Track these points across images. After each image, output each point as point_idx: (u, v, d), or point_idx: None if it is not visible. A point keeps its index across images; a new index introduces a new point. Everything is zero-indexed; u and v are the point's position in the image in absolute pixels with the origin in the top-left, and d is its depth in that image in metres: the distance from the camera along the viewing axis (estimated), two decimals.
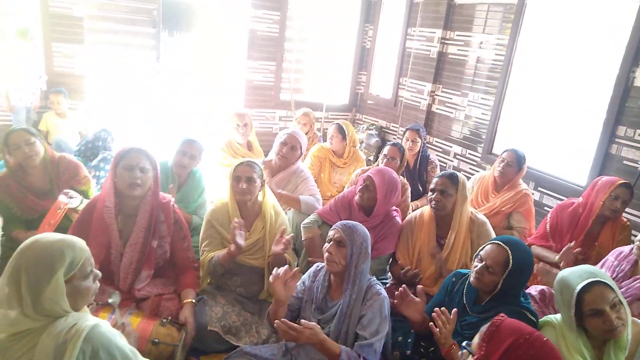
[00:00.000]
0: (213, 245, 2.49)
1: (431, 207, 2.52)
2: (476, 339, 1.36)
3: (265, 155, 3.73)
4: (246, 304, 2.49)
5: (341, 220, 2.25)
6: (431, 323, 1.82)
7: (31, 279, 1.25)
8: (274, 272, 1.95)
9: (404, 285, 1.98)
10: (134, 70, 5.30)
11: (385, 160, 3.43)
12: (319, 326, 1.86)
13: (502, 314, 1.38)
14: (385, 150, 3.49)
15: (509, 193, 3.26)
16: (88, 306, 1.47)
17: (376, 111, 6.08)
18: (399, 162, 3.41)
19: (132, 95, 5.41)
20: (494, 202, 3.29)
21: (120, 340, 1.38)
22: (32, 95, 4.55)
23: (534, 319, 1.82)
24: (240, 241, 2.27)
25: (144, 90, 5.45)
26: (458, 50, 4.83)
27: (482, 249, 1.92)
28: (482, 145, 4.61)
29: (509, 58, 4.28)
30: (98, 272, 1.42)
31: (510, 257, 1.81)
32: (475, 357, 1.31)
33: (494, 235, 2.52)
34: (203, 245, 2.51)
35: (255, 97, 5.81)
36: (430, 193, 2.54)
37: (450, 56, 4.93)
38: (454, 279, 2.08)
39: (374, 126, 5.90)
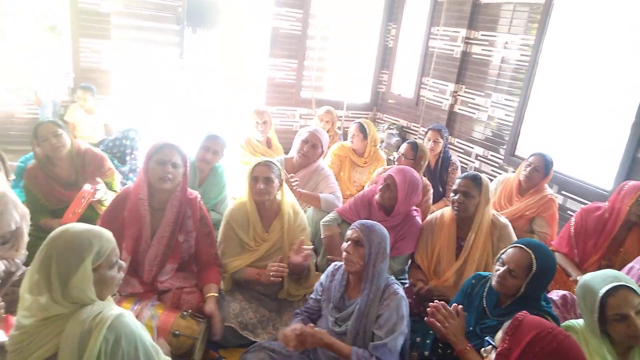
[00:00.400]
0: (231, 247, 2.50)
1: (453, 208, 2.49)
2: (499, 334, 1.37)
3: (286, 153, 3.74)
4: (264, 301, 2.50)
5: (361, 219, 2.25)
6: (431, 319, 1.83)
7: (60, 267, 1.29)
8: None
9: (442, 303, 1.90)
10: (158, 66, 5.38)
11: (399, 157, 3.43)
12: (323, 331, 1.86)
13: (524, 311, 1.38)
14: (401, 148, 3.47)
15: (534, 197, 3.20)
16: (112, 296, 1.50)
17: (397, 110, 6.05)
18: (412, 160, 3.37)
19: (156, 91, 5.49)
20: (518, 205, 3.24)
21: (142, 332, 1.41)
22: (60, 90, 4.65)
23: (555, 323, 1.79)
24: (274, 280, 2.30)
25: (167, 86, 5.53)
26: (482, 50, 4.77)
27: (504, 253, 1.90)
28: (504, 146, 4.55)
29: (535, 59, 4.21)
30: (122, 262, 1.45)
31: (534, 260, 1.78)
32: (498, 349, 1.31)
33: (515, 238, 2.49)
34: (222, 246, 2.52)
35: (277, 94, 5.84)
36: (452, 194, 2.51)
37: (474, 56, 4.88)
38: (473, 281, 2.05)
39: (394, 126, 5.87)
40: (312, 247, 2.38)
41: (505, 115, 4.53)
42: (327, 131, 4.21)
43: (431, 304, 1.88)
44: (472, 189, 2.44)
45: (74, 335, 1.26)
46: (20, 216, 2.31)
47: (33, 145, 2.90)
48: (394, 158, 3.57)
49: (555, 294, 2.36)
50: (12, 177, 3.23)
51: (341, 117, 5.86)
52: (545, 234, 3.13)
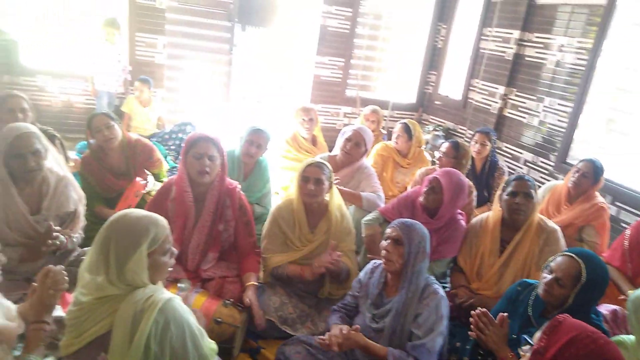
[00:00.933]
0: (276, 243, 2.51)
1: (512, 210, 2.40)
2: (537, 333, 1.34)
3: (330, 151, 3.76)
4: (304, 297, 2.51)
5: None
6: (471, 329, 1.79)
7: (119, 249, 1.36)
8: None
9: (485, 311, 1.84)
10: (208, 60, 5.52)
11: (440, 157, 3.39)
12: (359, 334, 1.86)
13: (566, 314, 1.35)
14: (442, 147, 3.42)
15: (583, 205, 3.08)
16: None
17: (444, 112, 5.95)
18: (453, 160, 3.31)
19: (206, 85, 5.63)
20: (567, 214, 3.12)
21: (189, 316, 1.46)
22: (115, 82, 4.85)
23: None
24: (319, 273, 2.35)
25: (216, 81, 5.66)
26: (536, 52, 4.62)
27: (552, 260, 1.84)
28: (555, 153, 4.39)
29: (592, 63, 4.04)
30: (174, 249, 1.51)
31: (583, 271, 1.72)
32: (535, 347, 1.29)
33: (563, 243, 2.41)
34: (265, 241, 2.54)
35: (322, 92, 5.88)
36: (508, 196, 2.42)
37: (527, 58, 4.73)
38: (519, 288, 2.00)
39: (440, 127, 5.78)
40: (340, 253, 2.35)
41: (558, 120, 4.37)
42: (372, 131, 4.19)
43: (473, 312, 1.84)
44: (531, 190, 2.38)
45: (127, 315, 1.33)
46: (78, 199, 2.44)
47: (87, 135, 3.05)
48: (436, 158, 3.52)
49: (605, 308, 2.27)
50: (71, 163, 3.42)
51: (386, 117, 5.83)
52: (595, 243, 3.01)
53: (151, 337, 1.33)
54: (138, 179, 2.98)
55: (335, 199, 2.56)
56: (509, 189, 2.43)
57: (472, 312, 1.85)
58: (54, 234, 2.16)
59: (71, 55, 5.15)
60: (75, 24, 5.15)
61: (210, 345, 1.56)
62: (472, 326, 1.82)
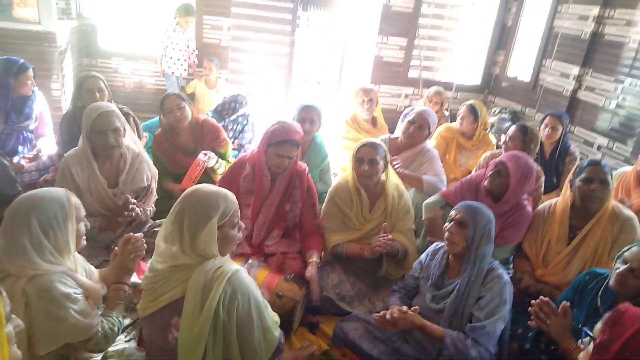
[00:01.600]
0: (334, 222, 2.56)
1: (586, 197, 2.29)
2: (599, 325, 1.28)
3: (391, 132, 3.73)
4: (362, 276, 2.54)
5: None
6: (534, 317, 1.75)
7: (191, 221, 1.44)
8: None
9: (547, 300, 1.80)
10: (271, 42, 5.59)
11: (506, 141, 3.26)
12: (416, 315, 1.87)
13: (627, 303, 1.28)
14: (509, 131, 3.28)
15: None
16: None
17: (511, 94, 5.70)
18: (520, 144, 3.17)
19: (268, 67, 5.71)
20: (637, 199, 2.93)
21: (255, 288, 1.54)
22: (181, 67, 5.03)
23: None
24: (379, 252, 2.34)
25: (278, 62, 5.73)
26: (617, 30, 4.30)
27: (627, 250, 1.75)
28: (634, 138, 4.10)
29: None
30: (242, 223, 1.59)
31: None
32: (597, 341, 1.23)
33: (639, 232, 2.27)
34: (324, 220, 2.59)
35: (383, 73, 5.79)
36: (582, 182, 2.31)
37: (606, 37, 4.41)
38: (587, 278, 1.92)
39: (507, 110, 5.55)
40: (390, 237, 2.34)
41: (639, 103, 4.06)
42: (436, 112, 4.11)
43: (534, 301, 1.80)
44: (607, 177, 2.26)
45: (198, 283, 1.42)
46: (151, 175, 2.59)
47: (160, 115, 3.20)
48: (502, 142, 3.39)
49: None
50: (144, 140, 3.62)
51: (449, 98, 5.67)
52: None
53: (220, 304, 1.41)
54: (201, 155, 3.08)
55: (391, 178, 2.55)
56: (583, 174, 2.31)
57: (533, 301, 1.80)
58: (131, 206, 2.32)
59: (143, 38, 5.41)
60: (149, 8, 5.38)
61: (273, 317, 1.63)
62: (532, 316, 1.78)
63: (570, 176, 2.43)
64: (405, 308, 1.88)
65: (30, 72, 3.19)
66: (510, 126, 5.18)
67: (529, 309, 1.80)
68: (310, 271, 2.29)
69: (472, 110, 3.76)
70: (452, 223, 1.97)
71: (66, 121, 3.06)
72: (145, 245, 1.74)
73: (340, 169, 3.90)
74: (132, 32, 5.46)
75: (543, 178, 3.22)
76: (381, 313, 1.88)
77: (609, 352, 1.19)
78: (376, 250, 2.31)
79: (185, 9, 4.77)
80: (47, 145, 3.38)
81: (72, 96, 3.13)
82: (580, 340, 1.41)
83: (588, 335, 1.32)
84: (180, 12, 4.76)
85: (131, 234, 1.76)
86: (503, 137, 3.33)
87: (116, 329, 1.64)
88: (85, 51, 5.07)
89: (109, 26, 5.25)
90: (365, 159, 2.44)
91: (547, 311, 1.75)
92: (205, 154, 3.11)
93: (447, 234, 1.97)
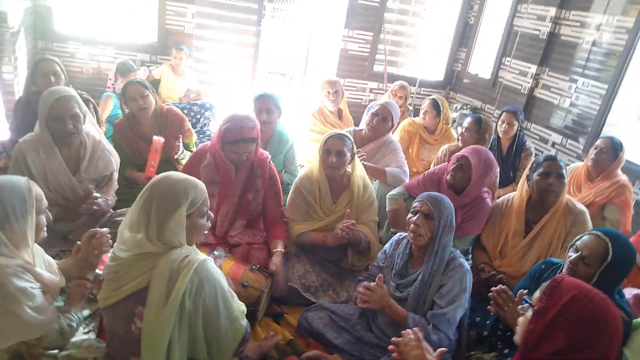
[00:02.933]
0: (299, 213, 2.57)
1: (543, 191, 2.37)
2: (537, 294, 1.36)
3: (356, 125, 3.76)
4: (327, 266, 2.56)
5: None
6: (490, 305, 1.83)
7: (160, 210, 1.42)
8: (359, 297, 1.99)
9: (505, 287, 1.87)
10: (236, 31, 5.52)
11: (462, 132, 3.41)
12: (385, 290, 1.94)
13: (564, 273, 1.36)
14: (465, 122, 3.41)
15: (604, 183, 3.05)
16: None
17: (472, 91, 5.86)
18: (476, 134, 3.34)
19: (233, 56, 5.64)
20: (588, 192, 3.10)
21: (222, 279, 1.53)
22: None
23: (627, 318, 1.73)
24: (342, 239, 2.35)
25: (243, 53, 5.66)
26: (572, 31, 4.49)
27: (578, 239, 1.84)
28: (585, 136, 4.30)
29: (632, 43, 3.90)
30: (211, 213, 1.57)
31: (610, 249, 1.71)
32: (536, 308, 1.31)
33: (590, 225, 2.39)
34: (289, 210, 2.59)
35: (349, 66, 5.82)
36: (539, 177, 2.38)
37: (562, 37, 4.60)
38: (543, 267, 2.01)
39: (468, 106, 5.70)
40: (353, 222, 2.36)
41: (591, 102, 4.27)
42: (399, 106, 4.17)
43: (493, 288, 1.87)
44: (563, 171, 2.36)
45: (164, 272, 1.40)
46: (113, 163, 2.52)
47: (121, 103, 3.10)
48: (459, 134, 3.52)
49: (628, 292, 2.26)
50: (104, 128, 3.50)
51: (413, 94, 5.77)
52: (618, 221, 2.98)
53: (186, 295, 1.39)
54: (155, 137, 2.98)
55: (357, 171, 2.58)
56: (541, 169, 2.40)
57: (492, 288, 1.88)
58: (93, 196, 2.25)
59: (101, 22, 5.21)
60: None
61: (240, 307, 1.62)
62: (491, 302, 1.85)
63: (527, 171, 2.53)
64: (372, 285, 1.94)
65: None
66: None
67: (489, 294, 1.87)
68: (275, 262, 2.29)
69: (435, 104, 3.85)
70: (417, 215, 2.01)
71: (20, 106, 2.92)
72: (110, 241, 1.68)
73: (306, 161, 3.91)
74: (90, 15, 5.24)
75: (498, 169, 3.34)
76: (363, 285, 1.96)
77: (545, 319, 1.27)
78: (339, 235, 2.33)
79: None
80: None
81: (25, 80, 2.98)
82: (520, 307, 1.49)
83: (527, 302, 1.40)
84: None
85: (97, 229, 1.70)
86: (459, 129, 3.45)
87: (74, 325, 1.59)
88: (40, 34, 4.84)
89: (65, 8, 5.02)
90: (333, 151, 2.46)
91: (505, 298, 1.83)
92: (159, 137, 3.03)
93: (412, 226, 2.00)
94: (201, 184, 1.52)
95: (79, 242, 1.70)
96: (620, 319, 1.26)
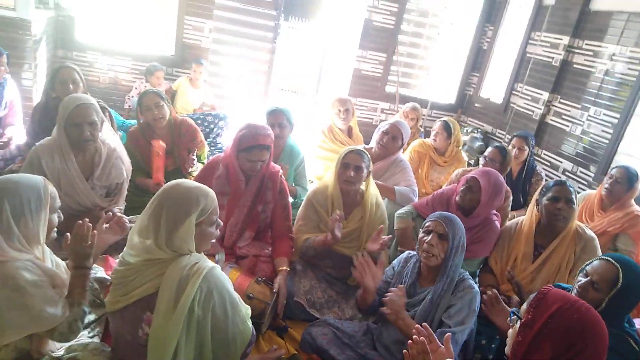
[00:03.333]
0: (309, 226, 2.56)
1: (552, 216, 2.37)
2: (524, 306, 1.39)
3: (366, 144, 3.78)
4: (334, 283, 2.56)
5: None
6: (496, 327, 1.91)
7: (169, 217, 1.43)
8: (357, 264, 2.03)
9: (494, 290, 1.98)
10: (251, 48, 5.60)
11: (485, 161, 3.34)
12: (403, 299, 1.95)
13: (550, 285, 1.41)
14: (487, 152, 3.38)
15: (618, 213, 3.03)
16: None
17: (483, 115, 5.88)
18: (498, 165, 3.28)
19: (247, 72, 5.72)
20: (601, 221, 3.08)
21: (229, 285, 1.53)
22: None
23: (637, 347, 1.70)
24: (338, 233, 2.32)
25: (258, 69, 5.74)
26: (585, 60, 4.51)
27: (588, 264, 1.83)
28: (596, 164, 4.29)
29: None
30: (220, 221, 1.58)
31: (621, 275, 1.70)
32: (523, 320, 1.33)
33: (600, 253, 2.37)
34: (299, 223, 2.60)
35: (361, 86, 5.88)
36: (548, 201, 2.38)
37: (575, 66, 4.62)
38: None
39: (479, 130, 5.71)
40: (389, 236, 2.38)
41: (602, 131, 4.26)
42: (410, 128, 4.19)
43: (488, 291, 1.97)
44: (572, 197, 2.35)
45: (173, 279, 1.40)
46: (126, 172, 2.55)
47: (137, 112, 3.15)
48: (476, 162, 3.49)
49: (638, 323, 2.22)
50: (119, 134, 3.55)
51: (424, 116, 5.80)
52: (630, 252, 2.95)
53: (195, 301, 1.40)
54: (154, 141, 3.00)
55: (371, 188, 2.59)
56: (550, 193, 2.39)
57: (488, 291, 1.99)
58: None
59: (121, 33, 5.32)
60: (129, 2, 5.30)
61: (246, 310, 1.62)
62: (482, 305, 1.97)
63: (536, 195, 2.52)
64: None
65: (4, 58, 3.10)
66: (481, 146, 5.37)
67: (483, 296, 1.98)
68: (279, 282, 2.28)
69: (446, 127, 3.86)
70: (431, 235, 2.00)
71: (39, 111, 2.98)
72: (95, 232, 1.63)
73: (315, 177, 3.93)
74: (110, 27, 5.36)
75: (511, 198, 3.33)
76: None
77: (532, 330, 1.29)
78: (337, 233, 2.31)
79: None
80: (16, 135, 3.28)
81: (44, 87, 3.04)
82: (509, 319, 1.50)
83: (515, 315, 1.42)
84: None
85: (79, 222, 1.63)
86: (481, 159, 3.40)
87: (80, 323, 1.58)
88: (61, 43, 4.95)
89: (87, 19, 5.14)
90: (351, 165, 2.47)
91: (494, 301, 1.96)
92: (159, 140, 3.05)
93: (425, 245, 1.99)
94: (212, 193, 1.53)
95: (68, 234, 1.65)
96: (605, 326, 1.28)
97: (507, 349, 1.39)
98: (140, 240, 1.45)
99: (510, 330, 1.40)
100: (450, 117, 4.12)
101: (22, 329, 1.41)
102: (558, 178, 2.36)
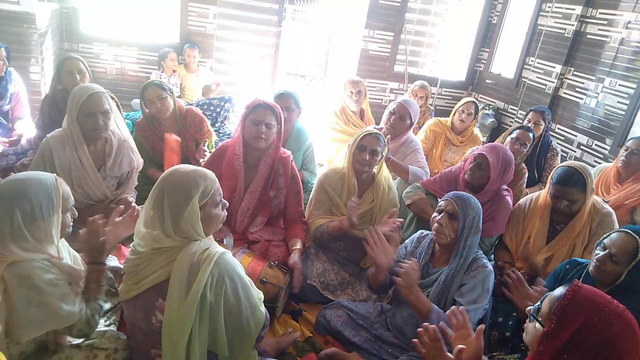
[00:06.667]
0: (322, 210, 2.56)
1: (559, 210, 2.34)
2: (545, 307, 1.24)
3: (377, 125, 3.74)
4: (346, 265, 2.56)
5: (445, 192, 2.21)
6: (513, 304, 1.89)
7: (172, 203, 1.42)
8: (369, 240, 2.00)
9: (518, 273, 1.95)
10: (257, 32, 5.54)
11: (512, 142, 3.22)
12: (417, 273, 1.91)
13: (577, 281, 1.23)
14: (515, 133, 3.25)
15: (635, 185, 2.97)
16: None
17: (494, 91, 5.77)
18: (527, 148, 3.21)
19: (255, 57, 5.66)
20: (617, 194, 3.01)
21: (240, 270, 1.52)
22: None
23: None
24: (355, 219, 2.31)
25: (264, 53, 5.68)
26: (599, 29, 4.38)
27: (606, 237, 1.79)
28: (612, 137, 4.19)
29: None
30: (226, 201, 1.57)
31: None
32: (546, 329, 1.18)
33: (617, 227, 2.32)
34: (312, 207, 2.59)
35: (369, 67, 5.79)
36: (552, 197, 2.35)
37: (588, 36, 4.49)
38: (567, 267, 1.96)
39: (490, 107, 5.62)
40: (401, 220, 2.35)
41: (618, 102, 4.15)
42: (420, 106, 4.13)
43: (512, 274, 1.94)
44: (575, 195, 2.28)
45: (184, 266, 1.40)
46: (136, 162, 2.55)
47: (141, 105, 3.15)
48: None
49: None
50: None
51: (434, 94, 5.71)
52: None
53: (207, 287, 1.39)
54: (168, 135, 3.00)
55: (383, 171, 2.57)
56: (552, 190, 2.35)
57: (510, 272, 1.97)
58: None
59: (125, 24, 5.31)
60: None
61: (258, 294, 1.62)
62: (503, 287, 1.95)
63: (552, 173, 2.47)
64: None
65: (3, 52, 3.10)
66: (493, 122, 5.28)
67: (505, 277, 1.95)
68: (294, 258, 2.29)
69: (475, 106, 3.80)
70: (442, 214, 1.97)
71: (47, 104, 2.99)
72: (107, 227, 1.64)
73: (326, 160, 3.90)
74: (115, 18, 5.35)
75: (526, 175, 3.27)
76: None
77: (556, 342, 1.16)
78: (353, 220, 2.29)
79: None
80: (25, 128, 3.30)
81: (52, 79, 3.05)
82: (528, 312, 1.39)
83: (534, 318, 1.26)
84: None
85: (90, 219, 1.66)
86: (508, 139, 3.29)
87: (97, 317, 1.60)
88: (67, 35, 4.95)
89: (91, 10, 5.13)
90: (368, 148, 2.46)
91: (517, 283, 1.92)
92: (173, 134, 3.05)
93: (436, 224, 1.97)
94: (211, 174, 1.51)
95: (80, 231, 1.67)
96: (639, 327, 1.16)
97: (525, 338, 1.29)
98: (148, 232, 1.45)
99: (530, 325, 1.28)
100: (470, 98, 4.03)
101: (42, 326, 1.42)
102: (564, 168, 2.23)
